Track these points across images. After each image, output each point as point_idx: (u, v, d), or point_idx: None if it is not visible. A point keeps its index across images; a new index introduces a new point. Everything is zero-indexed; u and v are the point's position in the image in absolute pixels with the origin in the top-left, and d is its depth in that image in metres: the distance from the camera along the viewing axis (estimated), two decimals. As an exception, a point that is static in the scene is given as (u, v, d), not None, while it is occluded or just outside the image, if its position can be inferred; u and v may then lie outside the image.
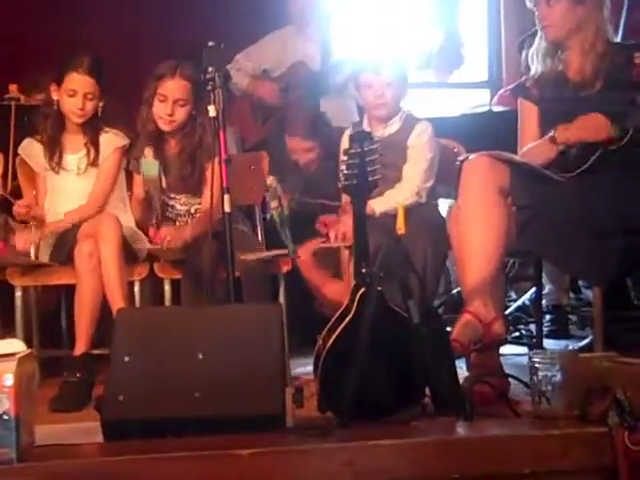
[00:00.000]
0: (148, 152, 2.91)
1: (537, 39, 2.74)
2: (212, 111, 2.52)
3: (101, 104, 3.04)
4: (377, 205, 3.00)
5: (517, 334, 3.49)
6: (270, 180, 2.95)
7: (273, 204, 2.88)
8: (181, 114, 3.07)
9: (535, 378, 1.98)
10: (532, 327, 3.49)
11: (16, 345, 1.99)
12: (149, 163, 2.90)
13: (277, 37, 4.10)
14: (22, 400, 1.83)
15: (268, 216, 2.96)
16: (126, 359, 2.08)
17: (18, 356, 1.88)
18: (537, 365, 1.98)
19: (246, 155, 3.53)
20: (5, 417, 1.78)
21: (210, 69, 2.52)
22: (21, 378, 1.83)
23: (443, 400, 2.12)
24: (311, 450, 1.83)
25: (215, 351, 2.09)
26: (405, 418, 2.06)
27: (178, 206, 3.14)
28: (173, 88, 3.05)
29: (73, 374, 2.70)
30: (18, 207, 2.99)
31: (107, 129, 3.09)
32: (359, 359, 2.05)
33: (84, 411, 2.54)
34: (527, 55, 2.78)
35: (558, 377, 1.96)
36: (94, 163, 3.06)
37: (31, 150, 3.13)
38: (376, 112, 3.17)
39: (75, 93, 3.00)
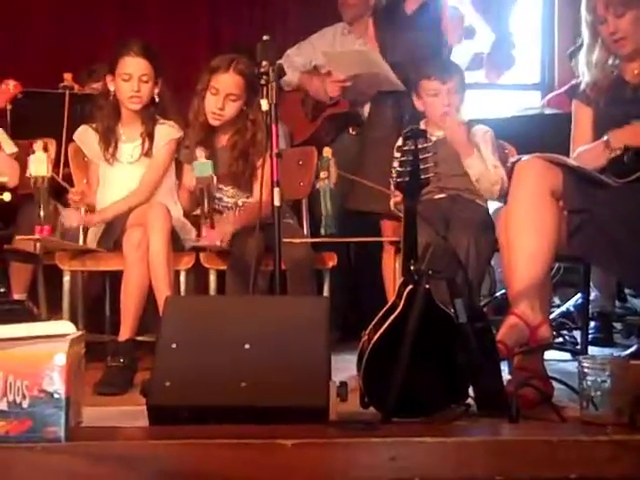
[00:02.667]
0: (200, 153, 2.93)
1: (588, 49, 2.70)
2: (265, 105, 2.53)
3: (156, 90, 3.06)
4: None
5: (560, 340, 3.45)
6: (326, 151, 2.95)
7: (322, 174, 2.89)
8: (231, 109, 3.09)
9: (584, 383, 1.96)
10: (575, 333, 3.46)
11: (67, 327, 2.02)
12: (202, 164, 2.91)
13: (328, 33, 4.09)
14: (72, 380, 1.85)
15: (317, 186, 2.96)
16: (173, 346, 2.09)
17: (70, 337, 1.91)
18: (586, 370, 1.96)
19: (295, 150, 3.53)
20: (56, 396, 1.81)
21: (264, 63, 2.53)
22: (72, 359, 1.86)
23: (487, 401, 2.10)
24: (355, 444, 1.83)
25: (261, 342, 2.09)
26: (448, 417, 2.06)
27: (226, 198, 3.16)
28: (226, 82, 3.07)
29: (117, 359, 2.73)
30: (72, 194, 3.03)
31: (162, 120, 3.11)
32: (405, 356, 2.05)
33: (126, 395, 2.58)
34: (578, 64, 2.75)
35: (608, 383, 1.94)
36: (147, 153, 3.09)
37: (86, 137, 3.16)
38: (440, 119, 3.15)
39: (130, 77, 3.02)
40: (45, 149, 2.91)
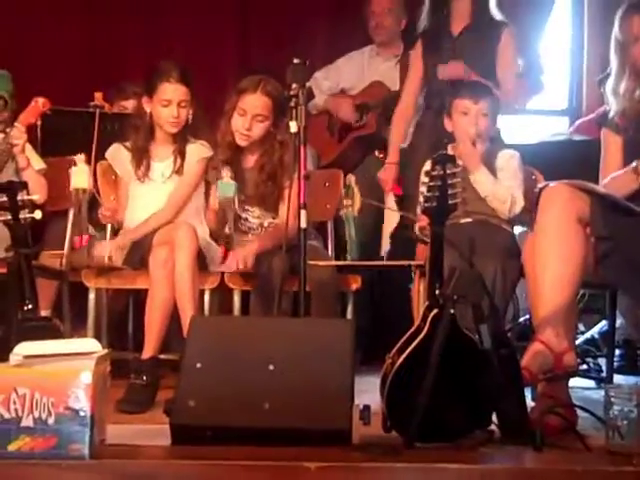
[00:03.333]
0: (226, 173, 2.94)
1: (616, 78, 2.69)
2: (294, 127, 2.55)
3: (191, 112, 3.10)
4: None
5: (584, 367, 3.42)
6: (349, 178, 2.96)
7: (346, 202, 2.89)
8: (259, 130, 3.11)
9: (611, 412, 1.95)
10: (600, 361, 3.42)
11: (93, 344, 2.04)
12: (226, 184, 2.93)
13: (355, 57, 4.13)
14: (97, 398, 1.87)
15: (341, 213, 2.97)
16: (198, 365, 2.11)
17: (96, 355, 1.93)
18: (613, 399, 1.95)
19: (322, 172, 3.55)
20: (81, 413, 1.82)
21: (294, 86, 2.55)
22: (98, 377, 1.88)
23: (511, 428, 2.10)
24: (378, 469, 1.83)
25: (286, 363, 2.10)
26: (472, 444, 2.05)
27: (251, 219, 3.17)
28: (253, 103, 3.09)
29: (140, 377, 2.74)
30: (104, 210, 3.07)
31: (193, 140, 3.14)
32: (428, 381, 2.04)
33: (148, 413, 2.59)
34: (607, 92, 2.74)
35: (634, 413, 1.92)
36: (179, 171, 3.11)
37: (118, 155, 3.19)
38: (471, 142, 3.14)
39: (170, 103, 3.05)
40: (87, 162, 2.94)
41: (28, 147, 3.31)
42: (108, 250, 3.03)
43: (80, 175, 2.89)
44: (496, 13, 3.49)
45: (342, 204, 2.94)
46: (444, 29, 3.52)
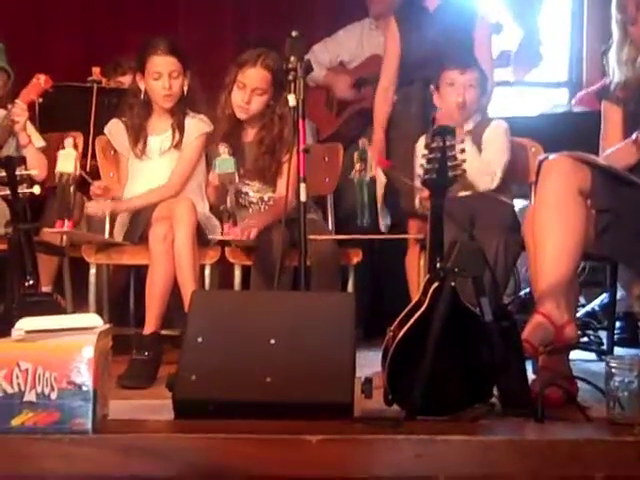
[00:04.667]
0: (223, 150, 2.93)
1: (618, 46, 2.67)
2: (292, 100, 2.53)
3: (186, 83, 3.08)
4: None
5: (585, 340, 3.43)
6: (363, 142, 2.94)
7: (357, 166, 2.88)
8: (258, 103, 3.09)
9: (611, 383, 1.95)
10: (600, 333, 3.43)
11: (94, 319, 2.04)
12: (224, 160, 2.91)
13: (354, 29, 4.10)
14: (100, 373, 1.87)
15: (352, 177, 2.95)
16: (199, 340, 2.10)
17: (98, 330, 1.93)
18: (614, 371, 1.95)
19: (321, 146, 3.54)
20: (84, 388, 1.82)
21: (292, 59, 2.53)
22: (100, 351, 1.88)
23: (512, 400, 2.10)
24: (380, 440, 1.83)
25: (287, 337, 2.10)
26: (473, 416, 2.05)
27: (251, 193, 3.17)
28: (253, 76, 3.08)
29: (142, 352, 2.74)
30: (95, 188, 3.05)
31: (192, 114, 3.12)
32: (429, 354, 2.04)
33: (150, 389, 2.60)
34: (609, 61, 2.72)
35: (635, 383, 1.93)
36: (177, 146, 3.10)
37: (116, 131, 3.18)
38: (457, 113, 3.14)
39: (160, 75, 3.04)
40: (75, 146, 2.92)
41: (28, 125, 3.29)
42: (101, 209, 3.01)
43: (66, 159, 2.88)
44: None
45: (354, 168, 2.90)
46: (419, 3, 3.49)
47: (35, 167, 2.80)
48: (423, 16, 3.46)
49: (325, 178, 3.33)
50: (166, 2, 4.44)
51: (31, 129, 3.31)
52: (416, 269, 3.10)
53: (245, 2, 4.51)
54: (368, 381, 2.11)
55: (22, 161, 2.54)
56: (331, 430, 1.87)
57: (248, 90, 3.08)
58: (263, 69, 3.07)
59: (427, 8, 3.47)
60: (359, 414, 2.03)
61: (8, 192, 2.54)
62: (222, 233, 3.00)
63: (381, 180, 3.22)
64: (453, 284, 2.12)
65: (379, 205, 3.22)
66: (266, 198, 3.16)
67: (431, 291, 2.15)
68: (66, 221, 2.88)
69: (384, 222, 3.23)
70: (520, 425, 1.98)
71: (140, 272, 3.20)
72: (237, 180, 2.97)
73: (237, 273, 3.02)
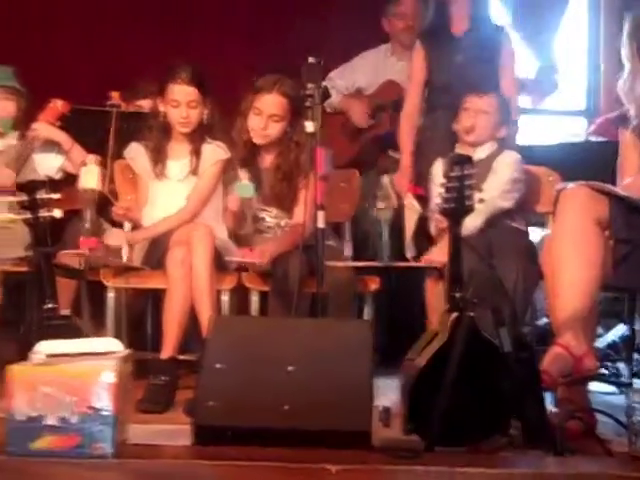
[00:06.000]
0: (244, 175, 2.95)
1: (630, 77, 2.68)
2: (310, 127, 2.55)
3: (206, 112, 3.11)
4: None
5: (604, 371, 3.40)
6: (384, 180, 2.95)
7: (381, 204, 2.88)
8: (275, 129, 3.11)
9: (634, 417, 1.94)
10: (619, 365, 3.40)
11: (115, 344, 2.05)
12: (244, 186, 2.93)
13: (370, 56, 4.13)
14: (120, 398, 1.88)
15: (374, 213, 2.95)
16: (218, 366, 2.11)
17: (119, 355, 1.94)
18: (636, 405, 1.94)
19: (338, 172, 3.55)
20: (104, 413, 1.83)
21: (310, 85, 2.55)
22: (120, 376, 1.89)
23: (532, 432, 2.09)
24: (400, 472, 1.83)
25: (305, 364, 2.11)
26: (492, 447, 2.04)
27: (268, 219, 3.18)
28: (269, 103, 3.09)
29: (159, 377, 2.74)
30: (117, 209, 3.07)
31: (210, 140, 3.15)
32: (448, 384, 2.04)
33: (167, 413, 2.59)
34: (622, 93, 2.72)
35: (657, 418, 1.92)
36: (195, 172, 3.13)
37: (137, 154, 3.21)
38: (465, 137, 3.16)
39: (178, 103, 3.08)
40: (97, 162, 2.95)
41: (58, 131, 3.29)
42: (122, 240, 3.03)
43: (89, 175, 2.90)
44: (496, 18, 3.50)
45: (376, 204, 2.92)
46: (445, 29, 3.53)
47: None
48: (450, 41, 3.49)
49: (342, 204, 3.34)
50: (183, 28, 4.48)
51: (60, 134, 3.30)
52: (433, 297, 3.09)
53: (261, 28, 4.55)
54: (386, 410, 2.11)
55: (43, 185, 2.56)
56: (350, 460, 1.87)
57: (265, 116, 3.10)
58: (280, 95, 3.09)
59: (454, 34, 3.50)
60: (377, 442, 2.03)
61: (29, 215, 2.56)
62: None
63: (415, 208, 3.22)
64: (472, 314, 2.12)
65: (409, 234, 3.21)
66: (283, 224, 3.17)
67: (450, 321, 2.15)
68: (92, 239, 2.89)
69: (411, 252, 3.23)
70: (540, 458, 1.97)
71: (157, 296, 3.21)
72: (256, 205, 2.98)
73: (254, 299, 3.02)
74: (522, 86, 4.10)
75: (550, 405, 2.28)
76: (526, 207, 3.19)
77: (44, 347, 1.98)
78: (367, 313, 3.00)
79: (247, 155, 3.15)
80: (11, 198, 2.71)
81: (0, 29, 4.34)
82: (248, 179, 2.97)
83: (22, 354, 2.13)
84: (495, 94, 3.17)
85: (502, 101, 3.19)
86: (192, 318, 2.84)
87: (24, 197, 2.59)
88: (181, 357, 2.84)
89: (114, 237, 3.07)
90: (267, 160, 3.18)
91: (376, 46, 4.14)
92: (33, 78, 3.51)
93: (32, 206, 2.57)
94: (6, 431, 1.87)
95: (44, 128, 3.24)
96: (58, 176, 3.31)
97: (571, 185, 2.46)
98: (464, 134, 3.15)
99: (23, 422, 1.84)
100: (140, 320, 3.48)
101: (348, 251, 3.32)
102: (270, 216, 3.18)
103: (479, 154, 3.14)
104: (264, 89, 3.11)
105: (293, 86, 3.04)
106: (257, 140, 3.13)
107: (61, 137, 3.25)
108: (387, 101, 3.97)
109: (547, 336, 2.67)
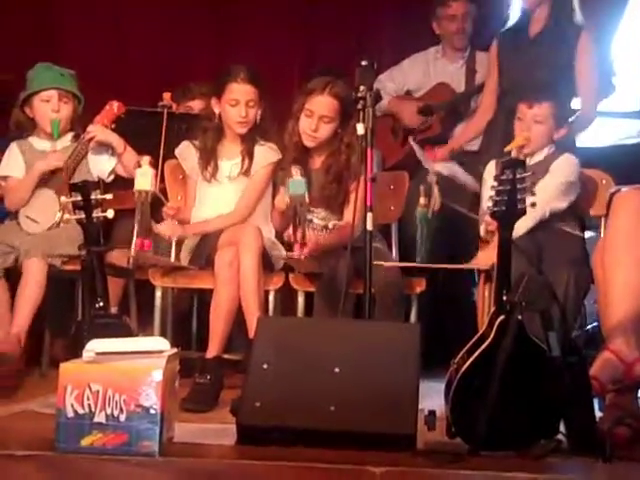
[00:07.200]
0: (296, 171, 2.95)
1: None
2: (361, 129, 2.55)
3: (259, 112, 3.13)
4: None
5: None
6: (430, 177, 2.93)
7: (422, 201, 2.86)
8: (325, 131, 3.11)
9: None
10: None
11: (163, 343, 2.07)
12: (297, 182, 2.92)
13: (420, 58, 4.11)
14: (167, 397, 1.90)
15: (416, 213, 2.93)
16: (264, 366, 2.12)
17: (166, 354, 1.96)
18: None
19: (387, 174, 3.54)
20: (152, 411, 1.85)
21: (362, 88, 2.55)
22: (168, 375, 1.91)
23: (579, 438, 2.06)
24: (443, 475, 1.82)
25: (351, 366, 2.11)
26: (539, 453, 2.02)
27: (316, 220, 3.18)
28: (320, 104, 3.10)
29: (204, 376, 2.76)
30: (168, 209, 3.10)
31: (262, 142, 3.17)
32: (494, 387, 2.02)
33: (212, 412, 2.61)
34: None
35: None
36: (246, 173, 3.14)
37: (188, 153, 3.23)
38: (520, 152, 3.11)
39: (237, 102, 3.09)
40: (151, 164, 2.98)
41: (111, 133, 3.33)
42: (171, 231, 3.05)
43: (144, 177, 2.93)
44: (577, 15, 3.44)
45: (418, 203, 2.90)
46: (522, 30, 3.49)
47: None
48: (523, 42, 3.46)
49: (390, 206, 3.33)
50: (235, 30, 4.51)
51: (114, 137, 3.35)
52: (484, 299, 3.07)
53: (313, 31, 4.57)
54: (432, 413, 2.10)
55: (96, 185, 2.61)
56: (394, 462, 1.87)
57: (315, 118, 3.10)
58: (331, 97, 3.09)
59: (529, 34, 3.46)
60: (421, 446, 2.02)
61: (83, 215, 2.60)
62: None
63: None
64: (520, 317, 2.10)
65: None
66: (330, 226, 3.16)
67: (497, 324, 2.13)
68: (146, 241, 2.92)
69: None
70: (588, 465, 1.94)
71: (203, 296, 3.24)
72: (307, 201, 2.96)
73: (300, 300, 3.03)
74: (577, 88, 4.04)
75: (598, 411, 2.24)
76: (578, 210, 3.14)
77: (94, 345, 2.01)
78: (413, 315, 2.98)
79: (297, 157, 3.15)
80: (64, 199, 2.75)
81: (64, 32, 4.44)
82: (301, 175, 2.96)
83: (73, 352, 2.17)
84: (547, 101, 3.12)
85: (558, 105, 3.14)
86: (238, 318, 2.85)
87: (78, 197, 2.64)
88: (226, 356, 2.86)
89: (165, 228, 3.09)
90: (317, 162, 3.18)
91: (426, 48, 4.12)
92: (88, 80, 3.56)
93: (86, 206, 2.62)
94: (56, 428, 1.90)
95: (100, 131, 3.28)
96: (110, 179, 3.35)
97: (625, 188, 2.43)
98: (518, 150, 3.10)
99: (72, 419, 1.87)
100: (185, 318, 3.52)
101: (395, 253, 3.30)
102: (318, 217, 3.18)
103: (536, 157, 3.11)
104: (315, 91, 3.11)
105: (344, 88, 3.05)
106: (307, 143, 3.13)
107: (115, 140, 3.28)
108: (438, 103, 3.95)
109: (596, 340, 2.63)
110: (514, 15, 3.64)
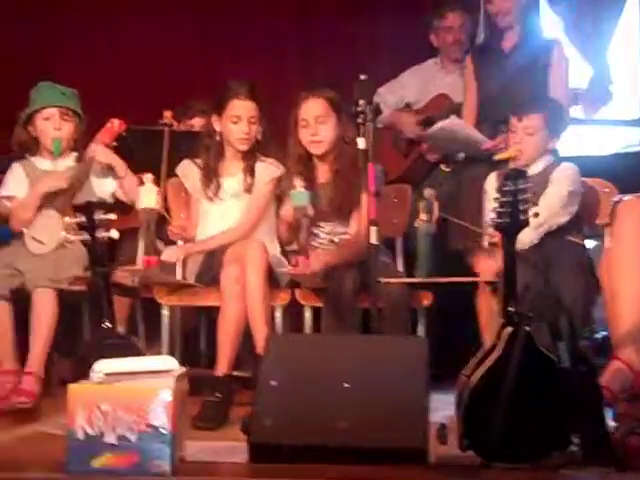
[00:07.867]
0: (298, 183, 2.95)
1: None
2: (362, 144, 2.55)
3: (261, 129, 3.13)
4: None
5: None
6: (428, 192, 2.93)
7: (423, 216, 2.86)
8: (325, 131, 3.08)
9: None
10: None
11: (170, 362, 2.07)
12: (299, 194, 2.92)
13: (419, 70, 4.12)
14: (177, 416, 1.89)
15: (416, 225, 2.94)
16: (273, 383, 2.12)
17: (175, 373, 1.96)
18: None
19: (390, 187, 3.54)
20: (162, 431, 1.85)
21: (361, 102, 2.55)
22: (177, 394, 1.90)
23: (592, 448, 2.05)
24: (458, 489, 1.81)
25: (360, 381, 2.10)
26: (552, 465, 2.01)
27: (322, 235, 3.16)
28: (310, 108, 3.09)
29: (214, 394, 2.75)
30: (173, 227, 3.10)
31: (263, 158, 3.17)
32: (505, 399, 2.02)
33: (222, 430, 2.60)
34: None
35: None
36: (248, 189, 3.14)
37: (189, 172, 3.24)
38: (514, 163, 3.12)
39: (239, 119, 3.09)
40: (154, 181, 2.98)
41: (114, 155, 3.33)
42: (176, 255, 3.05)
43: (148, 194, 2.93)
44: (547, 32, 3.50)
45: (417, 217, 2.90)
46: (495, 45, 3.56)
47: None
48: (498, 57, 3.51)
49: (394, 220, 3.33)
50: (233, 48, 4.53)
51: (117, 160, 3.35)
52: (486, 311, 3.06)
53: (309, 47, 4.59)
54: (443, 427, 2.09)
55: (100, 206, 2.61)
56: (407, 477, 1.87)
57: (311, 122, 3.08)
58: (316, 98, 3.09)
59: (503, 49, 3.49)
60: (433, 459, 2.01)
61: (87, 236, 2.60)
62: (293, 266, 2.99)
63: None
64: (528, 329, 2.09)
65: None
66: (336, 240, 3.16)
67: (506, 336, 2.13)
68: (152, 257, 2.91)
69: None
70: (602, 475, 1.94)
71: (211, 313, 3.23)
72: (311, 213, 2.95)
73: (307, 315, 3.03)
74: (575, 96, 4.05)
75: (610, 420, 2.24)
76: (582, 220, 3.14)
77: (103, 366, 2.01)
78: (421, 329, 2.97)
79: (303, 171, 3.13)
80: (68, 219, 2.75)
81: (65, 51, 4.45)
82: (303, 187, 2.96)
83: (80, 373, 2.17)
84: (537, 112, 3.12)
85: (550, 113, 3.14)
86: (245, 334, 2.85)
87: (82, 218, 2.64)
88: (235, 373, 2.85)
89: (170, 254, 3.09)
90: (324, 174, 3.16)
91: (423, 61, 4.14)
92: (88, 98, 3.57)
93: (90, 227, 2.62)
94: (66, 449, 1.89)
95: (102, 152, 3.26)
96: (111, 200, 3.35)
97: (628, 197, 2.43)
98: (512, 162, 3.11)
99: (83, 440, 1.87)
100: (193, 336, 3.51)
101: (400, 266, 3.30)
102: (324, 232, 3.17)
103: (534, 168, 3.10)
104: (302, 100, 3.12)
105: (329, 87, 3.06)
106: (314, 150, 3.11)
107: (117, 163, 3.27)
108: (438, 114, 3.95)
109: (604, 349, 2.62)
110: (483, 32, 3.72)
